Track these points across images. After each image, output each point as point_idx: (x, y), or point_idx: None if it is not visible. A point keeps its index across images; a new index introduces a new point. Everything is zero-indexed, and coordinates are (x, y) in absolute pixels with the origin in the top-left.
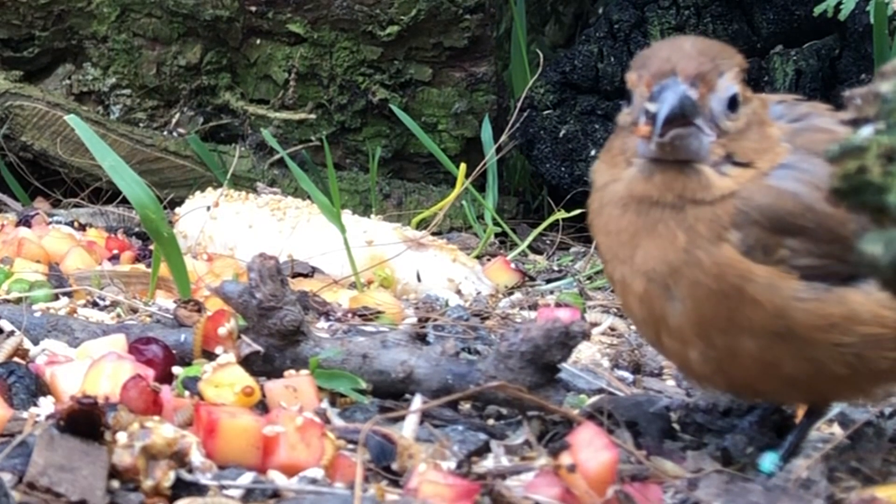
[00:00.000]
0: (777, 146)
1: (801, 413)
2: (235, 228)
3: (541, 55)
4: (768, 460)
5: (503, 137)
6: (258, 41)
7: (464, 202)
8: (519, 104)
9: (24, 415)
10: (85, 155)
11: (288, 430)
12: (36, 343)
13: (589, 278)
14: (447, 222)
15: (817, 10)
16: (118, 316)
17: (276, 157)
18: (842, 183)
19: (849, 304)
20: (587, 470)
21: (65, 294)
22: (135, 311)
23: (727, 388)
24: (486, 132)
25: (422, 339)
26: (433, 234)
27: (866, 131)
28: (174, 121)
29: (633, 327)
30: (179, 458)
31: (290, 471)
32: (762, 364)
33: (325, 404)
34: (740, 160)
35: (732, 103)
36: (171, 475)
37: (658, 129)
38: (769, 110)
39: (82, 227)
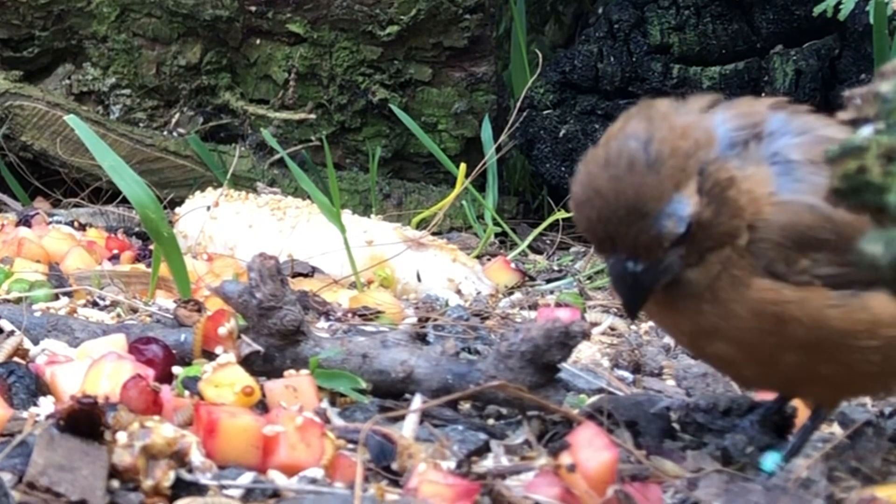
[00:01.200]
0: (756, 203)
1: (802, 413)
2: (235, 228)
3: (540, 55)
4: (770, 460)
5: (502, 137)
6: (258, 41)
7: (464, 202)
8: (518, 104)
9: (24, 415)
10: (85, 155)
11: (288, 429)
12: (36, 343)
13: (589, 278)
14: (447, 222)
15: (817, 9)
16: (118, 316)
17: (276, 157)
18: (842, 183)
19: (872, 310)
20: (587, 470)
21: (65, 294)
22: (135, 310)
23: (768, 389)
24: (486, 132)
25: (422, 338)
26: (433, 233)
27: (866, 131)
28: (174, 121)
29: (633, 327)
30: (179, 458)
31: (290, 471)
32: (802, 370)
33: (325, 404)
34: (715, 246)
35: (688, 223)
36: (171, 475)
37: (621, 303)
38: (746, 155)
39: (82, 227)
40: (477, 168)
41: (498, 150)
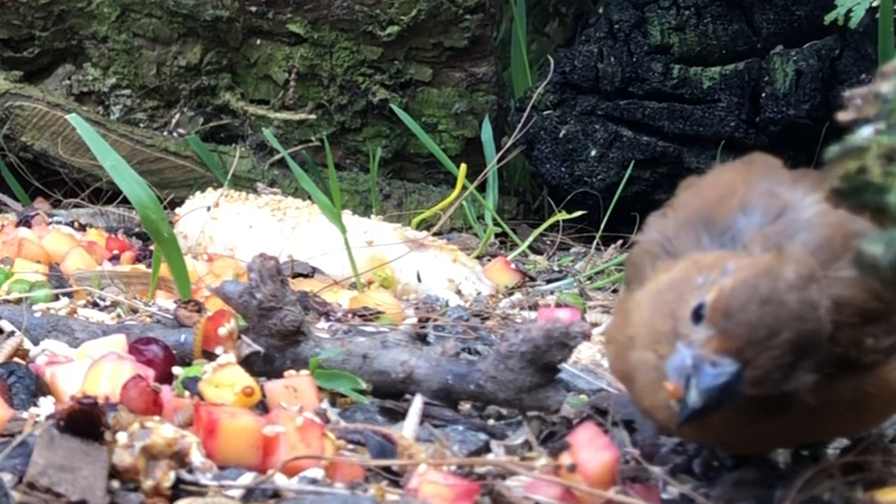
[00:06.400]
0: None
1: None
2: (235, 229)
3: (551, 61)
4: None
5: (508, 142)
6: (258, 41)
7: (464, 202)
8: (527, 111)
9: (24, 415)
10: (85, 155)
11: (288, 430)
12: (36, 343)
13: (589, 279)
14: (447, 222)
15: (828, 18)
16: (118, 316)
17: (277, 157)
18: (842, 183)
19: None
20: (587, 470)
21: (65, 294)
22: (135, 311)
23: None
24: (487, 132)
25: (422, 339)
26: (433, 234)
27: (866, 131)
28: (174, 121)
29: None
30: (179, 459)
31: (290, 471)
32: (852, 429)
33: (325, 404)
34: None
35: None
36: (171, 475)
37: (681, 418)
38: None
39: (82, 228)
40: (480, 176)
41: (503, 155)
